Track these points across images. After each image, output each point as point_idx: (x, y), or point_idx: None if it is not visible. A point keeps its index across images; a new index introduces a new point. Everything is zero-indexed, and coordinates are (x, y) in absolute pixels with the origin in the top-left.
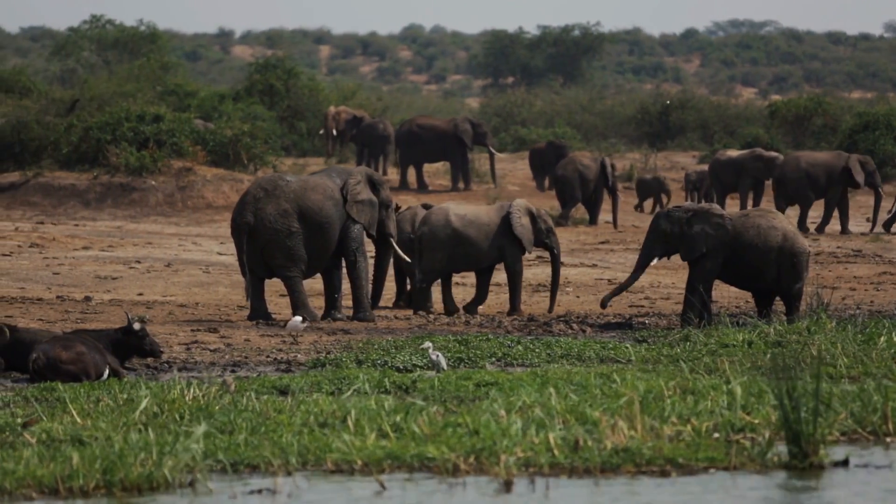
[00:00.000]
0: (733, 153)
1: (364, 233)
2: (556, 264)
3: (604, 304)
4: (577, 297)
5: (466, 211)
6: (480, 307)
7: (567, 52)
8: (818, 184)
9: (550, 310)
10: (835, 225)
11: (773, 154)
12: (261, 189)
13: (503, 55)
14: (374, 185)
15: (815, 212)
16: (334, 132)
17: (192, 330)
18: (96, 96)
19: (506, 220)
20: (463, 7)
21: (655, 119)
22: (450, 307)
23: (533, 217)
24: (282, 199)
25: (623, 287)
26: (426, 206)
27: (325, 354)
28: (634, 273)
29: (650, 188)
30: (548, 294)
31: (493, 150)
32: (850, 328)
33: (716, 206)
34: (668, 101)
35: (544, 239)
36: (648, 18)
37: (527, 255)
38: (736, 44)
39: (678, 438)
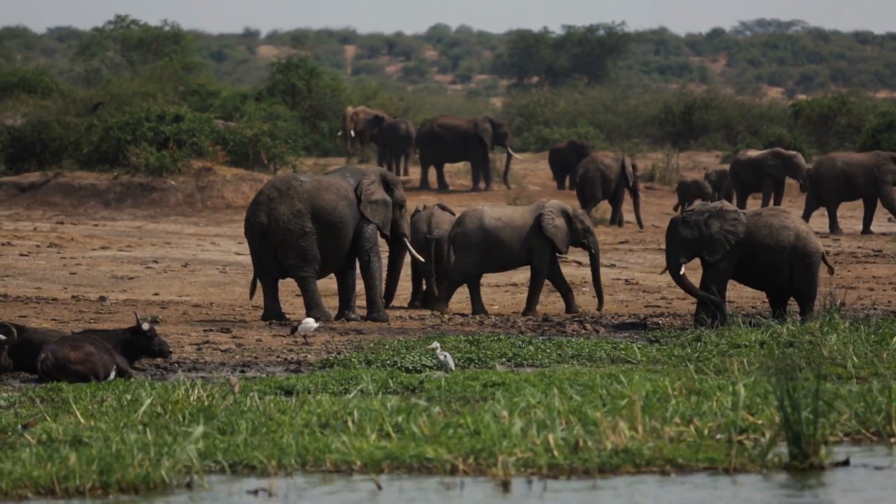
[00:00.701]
0: (753, 153)
1: (378, 233)
2: (595, 264)
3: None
4: (593, 297)
5: (501, 214)
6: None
7: (592, 51)
8: (855, 184)
9: (599, 308)
10: (856, 225)
11: (793, 153)
12: (274, 189)
13: (528, 55)
14: (387, 185)
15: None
16: (352, 132)
17: (205, 330)
18: (118, 96)
19: (538, 222)
20: (488, 7)
21: (679, 119)
22: (477, 308)
23: (568, 217)
24: (295, 199)
25: (701, 299)
26: (442, 207)
27: (335, 355)
28: (687, 288)
29: (690, 191)
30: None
31: (510, 152)
32: (864, 328)
33: (727, 204)
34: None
35: (581, 239)
36: (674, 18)
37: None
38: (762, 43)
39: (679, 439)
